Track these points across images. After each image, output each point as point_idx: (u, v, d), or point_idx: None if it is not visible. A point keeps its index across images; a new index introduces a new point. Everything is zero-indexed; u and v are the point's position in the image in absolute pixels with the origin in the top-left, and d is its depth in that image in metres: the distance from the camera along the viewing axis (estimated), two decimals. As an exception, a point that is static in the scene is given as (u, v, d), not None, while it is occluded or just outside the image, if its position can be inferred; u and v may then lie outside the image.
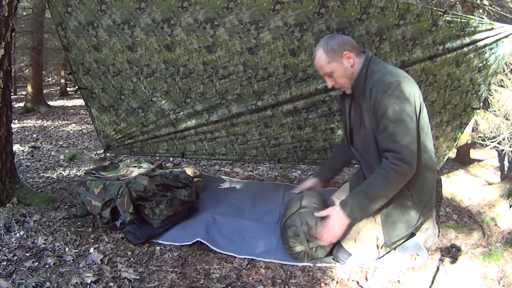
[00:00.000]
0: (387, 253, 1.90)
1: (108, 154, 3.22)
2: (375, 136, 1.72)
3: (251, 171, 3.43)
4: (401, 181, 1.67)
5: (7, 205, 2.16)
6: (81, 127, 6.23)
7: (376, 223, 1.83)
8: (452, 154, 4.09)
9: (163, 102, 2.61)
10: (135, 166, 2.47)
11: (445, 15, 2.12)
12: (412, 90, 1.65)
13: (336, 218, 1.71)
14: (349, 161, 2.28)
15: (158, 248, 1.97)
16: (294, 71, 2.33)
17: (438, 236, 2.12)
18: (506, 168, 3.64)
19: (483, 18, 2.57)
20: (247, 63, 2.32)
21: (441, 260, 1.87)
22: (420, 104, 1.69)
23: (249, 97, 2.50)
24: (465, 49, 2.26)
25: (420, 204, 1.81)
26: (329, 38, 1.79)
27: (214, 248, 1.94)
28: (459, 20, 2.14)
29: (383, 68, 1.71)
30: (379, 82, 1.65)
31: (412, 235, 2.00)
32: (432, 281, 1.71)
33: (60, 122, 6.79)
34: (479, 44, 2.25)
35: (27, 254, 1.74)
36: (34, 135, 5.42)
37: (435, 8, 2.11)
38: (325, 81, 2.13)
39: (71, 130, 5.97)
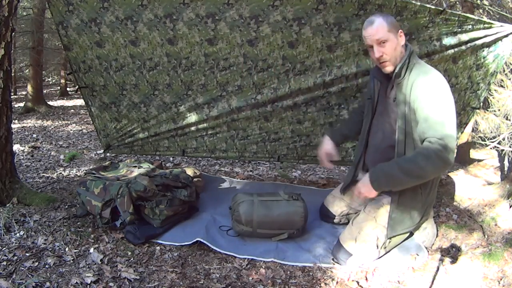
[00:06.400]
0: (386, 253, 1.91)
1: (108, 154, 3.22)
2: (406, 125, 1.73)
3: (251, 171, 3.43)
4: (439, 168, 1.65)
5: (7, 205, 2.16)
6: (81, 127, 6.22)
7: (377, 223, 1.83)
8: (452, 154, 4.07)
9: (165, 95, 2.65)
10: (135, 166, 2.47)
11: (443, 14, 2.12)
12: (449, 88, 1.69)
13: (363, 184, 1.78)
14: (358, 134, 2.20)
15: (158, 248, 1.98)
16: (293, 63, 2.39)
17: (438, 236, 2.12)
18: (506, 168, 3.63)
19: (482, 18, 2.57)
20: (247, 55, 2.38)
21: (441, 260, 1.87)
22: None
23: (249, 90, 2.54)
24: (463, 47, 2.26)
25: (425, 205, 1.84)
26: (386, 14, 1.80)
27: (214, 248, 1.94)
28: (457, 18, 2.15)
29: (422, 63, 1.78)
30: (424, 75, 1.68)
31: (411, 234, 2.00)
32: (432, 281, 1.71)
33: (60, 122, 6.79)
34: (478, 42, 2.25)
35: (27, 254, 1.74)
36: (34, 135, 5.42)
37: (433, 7, 2.11)
38: (324, 74, 2.15)
39: (71, 130, 5.97)
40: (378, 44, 1.74)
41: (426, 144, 1.62)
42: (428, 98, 1.64)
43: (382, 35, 1.72)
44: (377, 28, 1.73)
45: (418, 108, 1.67)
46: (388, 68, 1.78)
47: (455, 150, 1.64)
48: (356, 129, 2.19)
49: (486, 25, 2.20)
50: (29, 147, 4.35)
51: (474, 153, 4.52)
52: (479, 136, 3.56)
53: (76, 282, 1.58)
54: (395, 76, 1.77)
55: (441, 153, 1.58)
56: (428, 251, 1.97)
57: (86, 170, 2.88)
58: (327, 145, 2.19)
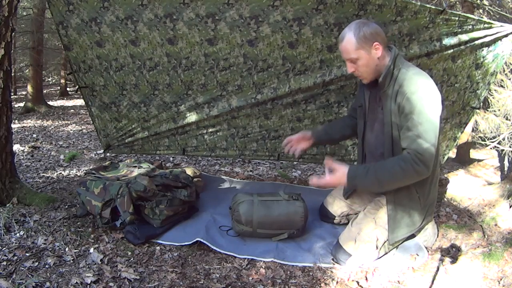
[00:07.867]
0: (386, 253, 1.91)
1: (108, 154, 3.22)
2: (393, 132, 1.71)
3: (251, 171, 3.43)
4: (414, 179, 1.68)
5: (7, 205, 2.16)
6: (81, 127, 6.23)
7: (376, 224, 1.83)
8: (452, 154, 4.09)
9: (165, 95, 2.66)
10: (135, 166, 2.47)
11: (443, 14, 2.12)
12: (438, 93, 1.63)
13: (337, 177, 1.72)
14: (345, 137, 2.34)
15: (158, 248, 1.97)
16: (293, 63, 2.39)
17: (438, 236, 2.12)
18: (506, 168, 3.64)
19: (482, 18, 2.57)
20: (247, 55, 2.38)
21: (441, 260, 1.87)
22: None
23: (249, 89, 2.55)
24: (462, 47, 2.27)
25: (425, 207, 1.84)
26: (362, 24, 1.68)
27: (214, 248, 1.94)
28: (457, 18, 2.15)
29: (409, 67, 1.70)
30: (410, 81, 1.63)
31: (412, 235, 2.00)
32: (432, 281, 1.71)
33: (60, 122, 6.79)
34: (477, 42, 2.26)
35: (27, 254, 1.74)
36: (34, 135, 5.42)
37: (434, 7, 2.12)
38: (324, 74, 2.11)
39: (71, 130, 5.97)
40: (349, 61, 1.74)
41: (405, 155, 1.64)
42: (412, 106, 1.61)
43: (351, 55, 1.70)
44: (345, 46, 1.70)
45: (402, 117, 1.66)
46: (365, 81, 1.80)
47: (432, 160, 1.62)
48: (342, 132, 2.21)
49: (486, 25, 2.20)
50: (29, 147, 4.35)
51: (474, 153, 4.53)
52: (479, 136, 3.56)
53: (76, 282, 1.58)
54: (380, 85, 1.75)
55: (418, 167, 1.61)
56: (428, 251, 1.97)
57: (86, 170, 2.89)
58: (302, 133, 2.16)
